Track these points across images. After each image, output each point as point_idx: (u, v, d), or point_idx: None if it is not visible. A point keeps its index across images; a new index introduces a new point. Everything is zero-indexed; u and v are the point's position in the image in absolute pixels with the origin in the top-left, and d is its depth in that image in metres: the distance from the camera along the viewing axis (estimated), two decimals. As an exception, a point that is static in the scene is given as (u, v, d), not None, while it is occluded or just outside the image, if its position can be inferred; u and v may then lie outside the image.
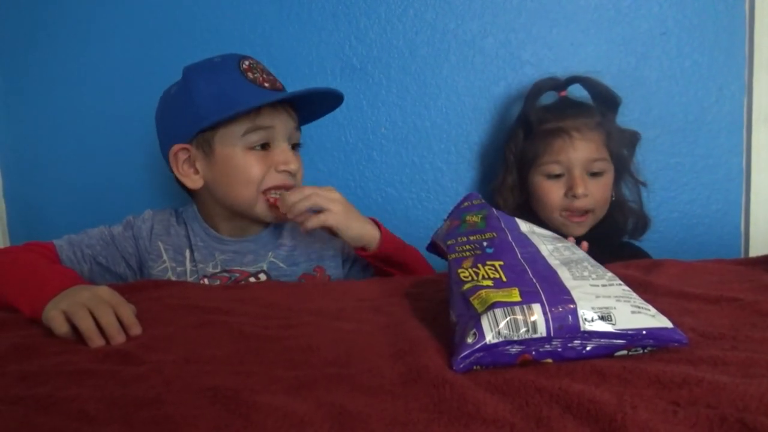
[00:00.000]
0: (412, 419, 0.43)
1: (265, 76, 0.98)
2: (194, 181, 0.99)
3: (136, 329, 0.66)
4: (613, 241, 1.15)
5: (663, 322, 0.52)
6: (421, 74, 1.25)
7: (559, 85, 1.15)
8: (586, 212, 1.11)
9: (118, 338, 0.64)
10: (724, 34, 1.21)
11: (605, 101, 1.13)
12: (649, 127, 1.21)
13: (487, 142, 1.27)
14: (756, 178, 1.23)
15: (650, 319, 0.52)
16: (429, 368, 0.51)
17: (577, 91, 1.15)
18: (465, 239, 0.64)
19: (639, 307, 0.52)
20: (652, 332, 0.51)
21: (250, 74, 0.95)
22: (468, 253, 0.61)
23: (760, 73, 1.20)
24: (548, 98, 1.16)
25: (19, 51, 1.29)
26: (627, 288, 0.55)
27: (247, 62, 0.97)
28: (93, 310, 0.66)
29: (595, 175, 1.09)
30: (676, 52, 1.22)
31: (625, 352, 0.52)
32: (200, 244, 1.01)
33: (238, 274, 0.99)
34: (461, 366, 0.50)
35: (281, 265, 1.01)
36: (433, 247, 0.73)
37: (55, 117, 1.30)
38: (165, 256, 1.00)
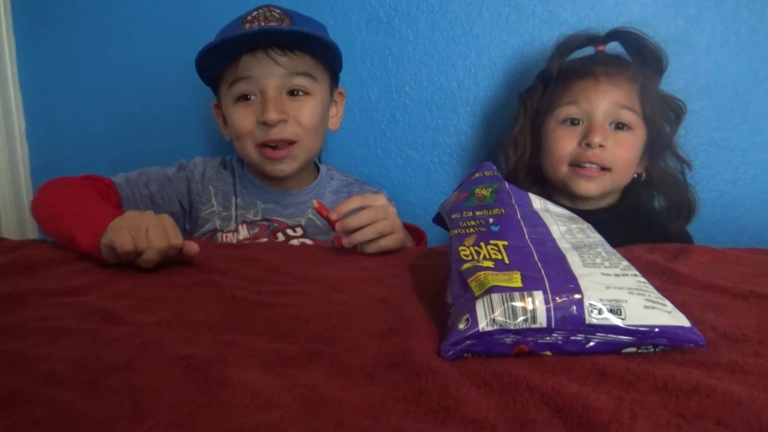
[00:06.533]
0: (386, 409, 0.40)
1: (263, 23, 0.90)
2: (226, 134, 1.03)
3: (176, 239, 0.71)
4: (643, 222, 1.01)
5: (679, 320, 0.47)
6: (451, 31, 1.18)
7: (597, 38, 1.01)
8: (601, 169, 0.95)
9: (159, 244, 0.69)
10: (788, -2, 1.10)
11: (648, 59, 0.98)
12: (694, 97, 1.11)
13: (518, 106, 1.19)
14: (808, 159, 1.13)
15: (665, 315, 0.47)
16: (415, 353, 0.47)
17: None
18: (471, 214, 0.59)
19: (653, 302, 0.47)
20: (666, 330, 0.46)
21: (247, 25, 0.90)
22: (472, 230, 0.57)
23: (824, 44, 1.09)
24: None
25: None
26: (643, 279, 0.50)
27: (254, 12, 0.92)
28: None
29: (620, 128, 0.95)
30: (731, 17, 1.11)
31: (634, 349, 0.47)
32: (244, 191, 1.02)
33: (276, 224, 0.99)
34: (450, 353, 0.46)
35: (318, 222, 1.00)
36: (438, 219, 0.69)
37: (76, 62, 1.28)
38: (214, 200, 1.01)
